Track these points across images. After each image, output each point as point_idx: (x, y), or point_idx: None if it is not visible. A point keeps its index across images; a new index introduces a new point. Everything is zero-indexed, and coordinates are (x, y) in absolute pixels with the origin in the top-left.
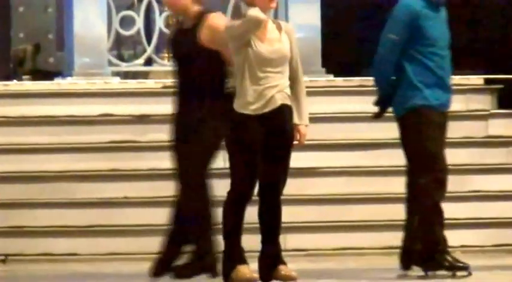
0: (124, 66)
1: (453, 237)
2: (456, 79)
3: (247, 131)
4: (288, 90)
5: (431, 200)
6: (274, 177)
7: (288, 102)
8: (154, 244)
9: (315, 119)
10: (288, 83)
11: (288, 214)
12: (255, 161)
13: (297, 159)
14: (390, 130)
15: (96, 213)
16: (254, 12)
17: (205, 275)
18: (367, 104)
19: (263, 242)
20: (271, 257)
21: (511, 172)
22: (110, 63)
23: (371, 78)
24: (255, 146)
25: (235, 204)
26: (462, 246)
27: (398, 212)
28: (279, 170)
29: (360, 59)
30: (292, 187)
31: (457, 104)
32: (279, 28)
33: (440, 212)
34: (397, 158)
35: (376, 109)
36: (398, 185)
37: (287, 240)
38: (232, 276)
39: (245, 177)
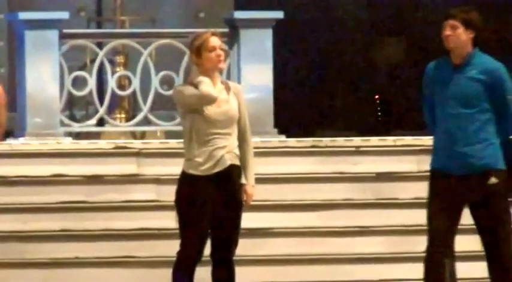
0: (76, 127)
1: None
2: (408, 140)
3: (197, 191)
4: (236, 151)
5: None
6: (225, 237)
7: (237, 162)
8: None
9: (267, 180)
10: (236, 143)
11: (241, 274)
12: (205, 221)
13: (250, 220)
14: (342, 191)
15: (47, 273)
16: (206, 87)
17: None
18: (320, 165)
19: None
20: None
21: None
22: (62, 124)
23: (323, 138)
24: (205, 206)
25: (184, 265)
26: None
27: (351, 271)
28: (230, 230)
29: (313, 120)
30: (245, 248)
31: (412, 164)
32: (227, 88)
33: None
34: (349, 218)
35: None
36: (351, 246)
37: None
38: None
39: (194, 238)
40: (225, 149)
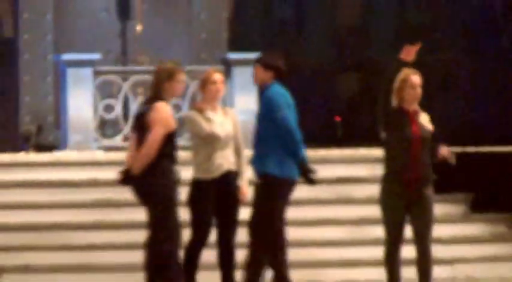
0: (106, 142)
1: (360, 274)
2: (364, 151)
3: (204, 192)
4: (233, 159)
5: None
6: (227, 228)
7: (234, 168)
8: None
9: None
10: (233, 153)
11: (237, 257)
12: (209, 216)
13: (241, 213)
14: (311, 191)
15: (85, 255)
16: (215, 128)
17: None
18: None
19: (222, 277)
20: None
21: None
22: (96, 140)
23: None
24: (210, 204)
25: (194, 248)
26: (367, 280)
27: (320, 253)
28: (231, 222)
29: None
30: (239, 235)
31: (364, 170)
32: (225, 113)
33: None
34: (317, 211)
35: None
36: (319, 232)
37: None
38: None
39: (201, 229)
40: (225, 159)
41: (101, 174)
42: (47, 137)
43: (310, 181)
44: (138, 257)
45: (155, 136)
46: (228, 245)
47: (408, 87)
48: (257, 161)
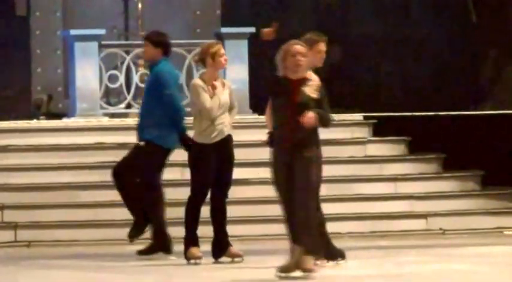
0: (111, 109)
1: (343, 227)
2: (346, 115)
3: (205, 155)
4: (229, 124)
5: None
6: (223, 185)
7: (231, 132)
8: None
9: (245, 145)
10: (229, 119)
11: (228, 212)
12: (210, 175)
13: (234, 173)
14: None
15: (93, 212)
16: (210, 104)
17: (161, 252)
18: None
19: (215, 231)
20: (222, 241)
21: (382, 181)
22: (101, 107)
23: None
24: (210, 165)
25: (194, 206)
26: (349, 232)
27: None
28: (227, 180)
29: None
30: (230, 192)
31: (345, 133)
32: (223, 84)
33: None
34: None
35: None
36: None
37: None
38: (187, 254)
39: (202, 187)
40: (224, 124)
41: (106, 139)
42: (57, 105)
43: (188, 149)
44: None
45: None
46: (222, 202)
47: (289, 56)
48: (142, 130)
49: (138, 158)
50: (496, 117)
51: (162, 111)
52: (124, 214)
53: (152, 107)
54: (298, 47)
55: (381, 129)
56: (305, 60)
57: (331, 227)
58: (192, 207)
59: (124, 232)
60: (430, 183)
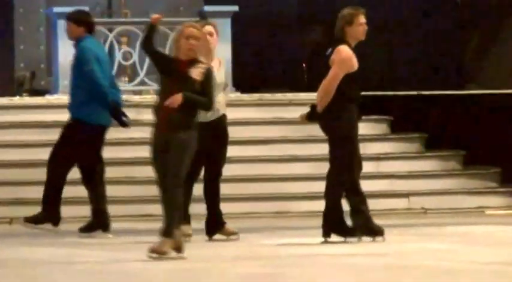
0: None
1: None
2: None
3: (200, 134)
4: (223, 103)
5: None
6: (216, 163)
7: (225, 111)
8: None
9: (229, 123)
10: (224, 98)
11: None
12: (200, 154)
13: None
14: (279, 131)
15: (74, 188)
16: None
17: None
18: (264, 112)
19: (208, 209)
20: (215, 219)
21: (364, 160)
22: None
23: (266, 94)
24: (203, 142)
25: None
26: None
27: (286, 187)
28: (220, 158)
29: (259, 81)
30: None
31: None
32: (219, 63)
33: None
34: (284, 150)
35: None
36: (286, 169)
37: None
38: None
39: (194, 166)
40: (220, 104)
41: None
42: (40, 82)
43: (123, 124)
44: (119, 189)
45: (332, 76)
46: (215, 180)
47: (183, 38)
48: (72, 107)
49: (69, 137)
50: (479, 97)
51: (86, 88)
52: (108, 191)
53: (77, 84)
54: (193, 29)
55: (363, 108)
56: (198, 43)
57: (314, 206)
58: (184, 185)
59: (111, 208)
60: (412, 163)
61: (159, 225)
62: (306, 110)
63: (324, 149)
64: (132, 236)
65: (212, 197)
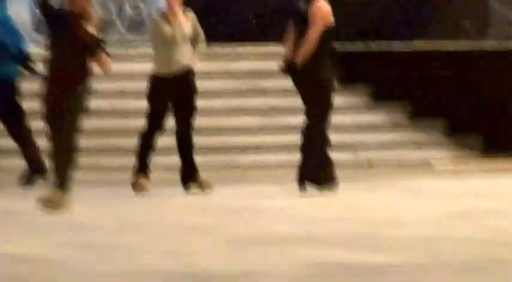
0: (42, 39)
1: (272, 158)
2: (274, 47)
3: (161, 86)
4: (189, 56)
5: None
6: (186, 116)
7: (191, 65)
8: None
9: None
10: (190, 50)
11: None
12: (165, 108)
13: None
14: (228, 83)
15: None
16: (175, 32)
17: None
18: (213, 62)
19: (182, 160)
20: (189, 170)
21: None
22: (34, 40)
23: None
24: (166, 97)
25: (146, 134)
26: (278, 162)
27: (233, 138)
28: (188, 112)
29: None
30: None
31: (275, 64)
32: (186, 15)
33: None
34: (231, 101)
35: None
36: (232, 120)
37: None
38: (136, 184)
39: (155, 117)
40: (183, 56)
41: (36, 68)
42: None
43: (33, 72)
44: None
45: (317, 30)
46: (187, 132)
47: None
48: None
49: None
50: (428, 51)
51: None
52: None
53: None
54: None
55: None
56: None
57: (260, 158)
58: (144, 137)
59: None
60: (359, 116)
61: (103, 176)
62: (255, 62)
63: (270, 101)
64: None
65: (186, 149)
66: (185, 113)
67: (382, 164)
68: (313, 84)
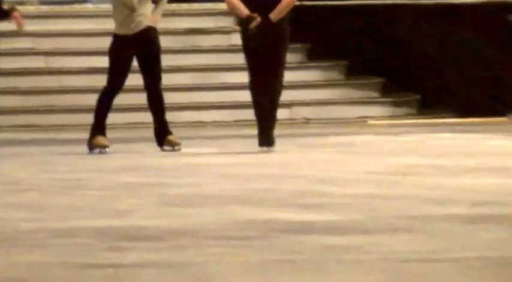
0: None
1: (207, 116)
2: (210, 5)
3: (123, 45)
4: (150, 15)
5: None
6: (152, 74)
7: (152, 24)
8: None
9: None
10: (151, 9)
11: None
12: (126, 67)
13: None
14: (165, 41)
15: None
16: None
17: None
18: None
19: (154, 119)
20: (162, 129)
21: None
22: None
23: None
24: (127, 57)
25: (107, 94)
26: (213, 121)
27: (171, 97)
28: (153, 70)
29: None
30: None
31: (209, 22)
32: None
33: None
34: (170, 60)
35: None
36: (170, 79)
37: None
38: (93, 142)
39: (118, 76)
40: (143, 16)
41: None
42: None
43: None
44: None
45: None
46: (156, 90)
47: None
48: None
49: None
50: (362, 8)
51: None
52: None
53: None
54: None
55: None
56: None
57: (196, 116)
58: (104, 96)
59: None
60: (295, 73)
61: (40, 135)
62: (189, 20)
63: (205, 59)
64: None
65: (156, 107)
66: (150, 73)
67: (318, 121)
68: (282, 38)
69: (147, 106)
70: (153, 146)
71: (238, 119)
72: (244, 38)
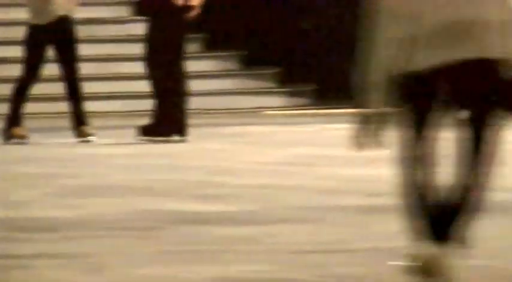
0: None
1: (99, 106)
2: None
3: (36, 36)
4: (66, 4)
5: None
6: (69, 65)
7: (70, 12)
8: None
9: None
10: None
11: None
12: (41, 58)
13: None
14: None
15: None
16: None
17: None
18: None
19: (73, 109)
20: (79, 119)
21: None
22: None
23: None
24: (42, 47)
25: (23, 84)
26: (106, 111)
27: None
28: (70, 60)
29: None
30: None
31: (106, 12)
32: None
33: None
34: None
35: None
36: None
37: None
38: (9, 132)
39: (33, 69)
40: (58, 5)
41: None
42: None
43: None
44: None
45: None
46: (73, 79)
47: None
48: None
49: None
50: None
51: None
52: None
53: None
54: None
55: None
56: None
57: (93, 106)
58: (20, 87)
59: None
60: (190, 63)
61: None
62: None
63: (98, 49)
64: None
65: (74, 98)
66: (67, 63)
67: (213, 111)
68: (184, 24)
69: (44, 97)
70: (53, 136)
71: (131, 110)
72: None
